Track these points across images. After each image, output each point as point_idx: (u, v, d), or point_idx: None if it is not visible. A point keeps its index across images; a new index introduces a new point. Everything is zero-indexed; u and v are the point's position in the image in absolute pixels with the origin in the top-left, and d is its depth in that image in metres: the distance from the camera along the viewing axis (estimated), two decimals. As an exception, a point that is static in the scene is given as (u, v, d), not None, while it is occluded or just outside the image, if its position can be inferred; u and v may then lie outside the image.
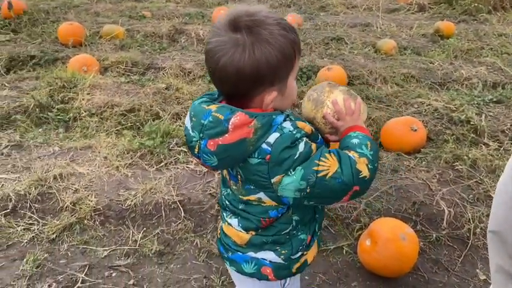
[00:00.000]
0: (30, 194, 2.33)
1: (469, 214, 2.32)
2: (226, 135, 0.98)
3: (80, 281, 1.92)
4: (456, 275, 2.08)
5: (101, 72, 4.05)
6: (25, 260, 2.01)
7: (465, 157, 2.76)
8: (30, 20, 5.33)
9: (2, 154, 2.70)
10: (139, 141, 2.79)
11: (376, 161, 1.09)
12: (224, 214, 1.24)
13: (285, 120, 1.05)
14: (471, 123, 3.25)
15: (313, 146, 1.05)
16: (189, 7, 6.95)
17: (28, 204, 2.30)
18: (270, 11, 1.04)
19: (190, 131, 1.05)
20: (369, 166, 1.06)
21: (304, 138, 1.04)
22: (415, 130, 2.91)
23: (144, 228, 2.26)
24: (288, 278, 1.23)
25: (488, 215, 2.33)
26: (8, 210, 2.28)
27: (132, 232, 2.23)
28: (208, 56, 1.00)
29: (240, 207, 1.15)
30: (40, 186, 2.37)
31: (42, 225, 2.22)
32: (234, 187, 1.14)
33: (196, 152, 1.05)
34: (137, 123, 3.14)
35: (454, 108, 3.48)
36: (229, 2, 7.30)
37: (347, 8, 7.26)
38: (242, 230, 1.17)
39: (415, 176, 2.64)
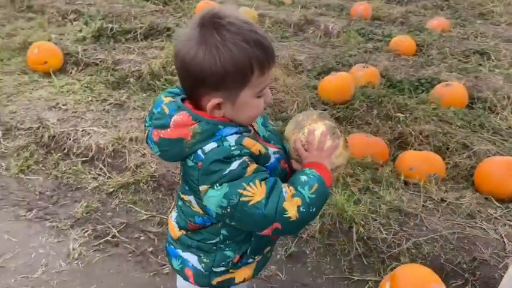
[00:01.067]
0: (107, 149, 2.65)
1: (543, 293, 1.87)
2: (168, 129, 0.99)
3: (111, 235, 2.14)
4: None
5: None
6: (80, 204, 2.32)
7: None
8: (181, -6, 5.90)
9: (104, 110, 3.11)
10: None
11: (314, 206, 1.00)
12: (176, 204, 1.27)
13: (235, 133, 1.01)
14: None
15: (251, 167, 0.98)
16: (333, -1, 6.82)
17: (103, 157, 2.63)
18: (248, 20, 0.98)
19: (148, 117, 1.08)
20: (301, 208, 0.97)
21: (244, 158, 0.98)
22: (519, 175, 2.42)
23: (185, 204, 2.38)
24: None
25: None
26: (87, 159, 2.64)
27: (174, 204, 2.38)
28: (174, 46, 1.04)
29: (179, 203, 1.17)
30: (117, 144, 2.68)
31: (107, 178, 2.52)
32: (180, 183, 1.17)
33: (146, 137, 1.08)
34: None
35: None
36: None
37: (515, 17, 6.24)
38: (176, 226, 1.18)
39: (493, 228, 2.22)
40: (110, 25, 4.49)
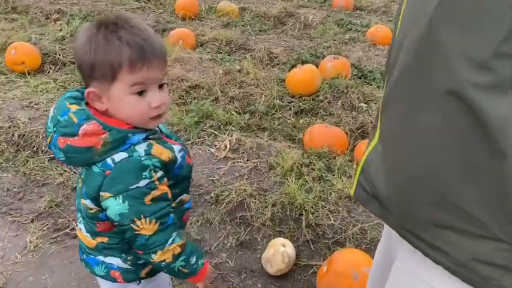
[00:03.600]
0: (74, 145, 2.74)
1: None
2: (76, 138, 1.02)
3: (70, 227, 2.24)
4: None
5: (194, 47, 4.36)
6: (44, 198, 2.42)
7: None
8: (164, -9, 5.96)
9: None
10: (180, 117, 3.00)
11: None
12: (77, 217, 1.25)
13: (145, 140, 1.06)
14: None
15: (156, 193, 1.03)
16: (317, -11, 6.84)
17: (70, 154, 2.72)
18: (141, 27, 1.04)
19: (49, 121, 1.11)
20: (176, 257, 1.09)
21: (153, 178, 1.03)
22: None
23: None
24: (142, 280, 1.26)
25: None
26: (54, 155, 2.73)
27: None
28: None
29: (81, 206, 1.17)
30: (83, 141, 2.77)
31: (72, 174, 2.61)
32: (80, 184, 1.16)
33: (48, 142, 1.13)
34: (194, 100, 3.36)
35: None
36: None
37: None
38: (88, 236, 1.19)
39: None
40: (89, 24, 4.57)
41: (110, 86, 1.03)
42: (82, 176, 1.11)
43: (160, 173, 1.04)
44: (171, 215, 1.07)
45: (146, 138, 1.06)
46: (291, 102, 3.31)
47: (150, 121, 1.09)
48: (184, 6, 5.12)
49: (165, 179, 1.07)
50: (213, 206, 2.35)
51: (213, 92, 3.43)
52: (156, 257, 1.07)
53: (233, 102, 3.33)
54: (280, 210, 2.28)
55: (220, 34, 4.57)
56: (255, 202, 2.32)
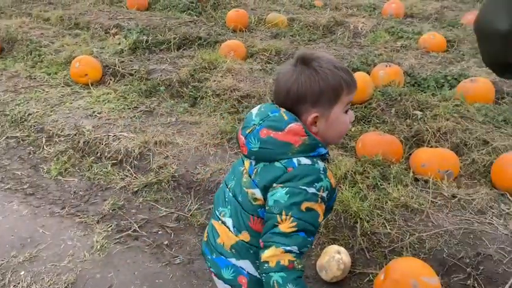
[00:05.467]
0: (134, 152, 2.89)
1: (548, 289, 1.84)
2: (280, 132, 1.15)
3: (132, 229, 2.36)
4: None
5: (245, 58, 4.46)
6: (107, 201, 2.56)
7: None
8: (215, 4, 6.15)
9: (134, 116, 3.37)
10: (233, 125, 3.07)
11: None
12: (217, 212, 1.32)
13: (323, 155, 1.20)
14: None
15: (314, 206, 1.12)
16: (366, -2, 6.79)
17: (130, 160, 2.87)
18: (335, 58, 1.28)
19: (253, 116, 1.23)
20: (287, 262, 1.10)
21: (321, 191, 1.13)
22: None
23: (202, 202, 2.56)
24: None
25: None
26: (116, 161, 2.89)
27: (191, 202, 2.56)
28: (275, 80, 1.29)
29: (239, 198, 1.24)
30: (143, 148, 2.91)
31: (133, 179, 2.75)
32: (244, 179, 1.24)
33: (247, 132, 1.21)
34: (246, 109, 3.43)
35: None
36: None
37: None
38: (232, 231, 1.25)
39: (504, 224, 2.19)
40: (145, 37, 4.80)
41: (332, 108, 1.18)
42: (256, 170, 1.20)
43: (325, 193, 1.15)
44: (312, 237, 1.14)
45: (324, 156, 1.21)
46: (343, 110, 3.30)
47: (343, 137, 1.31)
48: (235, 19, 5.25)
49: (324, 205, 1.16)
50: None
51: (263, 101, 3.49)
52: (266, 254, 1.10)
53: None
54: (334, 218, 2.28)
55: (269, 45, 4.64)
56: (309, 209, 2.33)
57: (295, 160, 1.14)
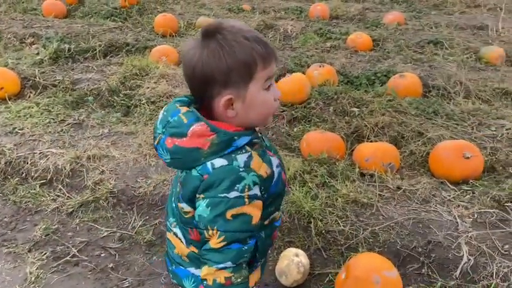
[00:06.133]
0: (65, 169, 2.64)
1: (494, 268, 1.93)
2: (184, 138, 1.01)
3: (71, 255, 2.13)
4: (449, 336, 1.76)
5: (178, 63, 4.31)
6: (38, 226, 2.30)
7: (521, 198, 2.29)
8: (141, 9, 5.91)
9: (62, 130, 3.09)
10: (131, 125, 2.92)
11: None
12: (169, 222, 1.23)
13: (248, 144, 1.05)
14: (556, 157, 2.67)
15: (250, 208, 1.02)
16: (292, 1, 6.93)
17: (62, 178, 2.61)
18: (247, 26, 1.07)
19: (158, 123, 1.10)
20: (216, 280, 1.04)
21: (245, 191, 1.01)
22: (468, 158, 2.49)
23: (146, 217, 2.39)
24: None
25: (519, 274, 1.91)
26: (46, 181, 2.62)
27: (135, 218, 2.38)
28: (182, 58, 1.10)
29: (176, 213, 1.17)
30: (74, 164, 2.67)
31: (66, 199, 2.50)
32: (178, 189, 1.16)
33: (156, 144, 1.10)
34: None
35: (541, 138, 2.89)
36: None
37: (467, 7, 6.45)
38: (184, 242, 1.17)
39: (447, 210, 2.28)
40: (67, 46, 4.46)
41: (247, 86, 1.02)
42: (181, 180, 1.10)
43: (253, 192, 1.02)
44: (249, 243, 1.04)
45: (250, 143, 1.06)
46: (283, 111, 3.29)
47: (271, 117, 1.12)
48: (163, 24, 5.08)
49: (258, 202, 1.04)
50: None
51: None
52: (203, 272, 1.04)
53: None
54: (288, 220, 2.23)
55: (202, 49, 4.53)
56: (261, 213, 2.26)
57: (209, 165, 1.01)
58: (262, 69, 1.02)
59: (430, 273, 1.98)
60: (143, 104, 3.46)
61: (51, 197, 2.52)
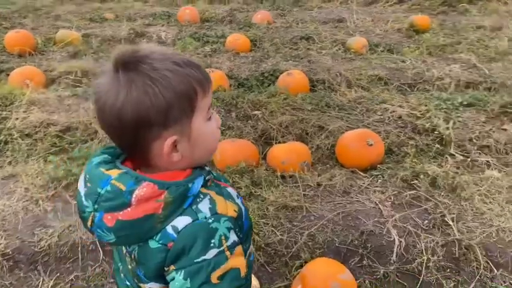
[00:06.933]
0: None
1: (422, 244, 2.09)
2: (128, 209, 0.80)
3: None
4: (403, 320, 1.85)
5: (46, 85, 3.77)
6: None
7: (424, 175, 2.52)
8: (-17, 27, 5.05)
9: None
10: (66, 168, 2.53)
11: None
12: None
13: (204, 186, 0.87)
14: (436, 132, 3.01)
15: (235, 259, 0.86)
16: (157, 6, 6.66)
17: None
18: (166, 48, 0.90)
19: (83, 199, 0.85)
20: None
21: (223, 243, 0.84)
22: (371, 145, 2.66)
23: (57, 274, 2.01)
24: None
25: (443, 245, 2.10)
26: None
27: (43, 279, 1.99)
28: (95, 103, 0.85)
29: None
30: None
31: None
32: (129, 266, 0.93)
33: (89, 226, 0.85)
34: (72, 145, 2.88)
35: (420, 115, 3.24)
36: (201, 0, 7.00)
37: (323, 1, 6.99)
38: None
39: (367, 198, 2.40)
40: None
41: (190, 121, 0.86)
42: (133, 256, 0.88)
43: (231, 240, 0.85)
44: None
45: (204, 184, 0.89)
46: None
47: (214, 150, 0.97)
48: (16, 42, 4.39)
49: (238, 248, 0.87)
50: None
51: (91, 131, 3.00)
52: None
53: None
54: (224, 241, 2.09)
55: (71, 66, 4.05)
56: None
57: (169, 229, 0.83)
58: (202, 98, 0.86)
59: (370, 263, 2.05)
60: (16, 139, 2.93)
61: None
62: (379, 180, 2.55)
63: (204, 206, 0.85)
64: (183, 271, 0.82)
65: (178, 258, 0.83)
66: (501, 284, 1.97)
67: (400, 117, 3.24)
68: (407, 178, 2.53)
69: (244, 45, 4.71)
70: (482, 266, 2.00)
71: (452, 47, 4.77)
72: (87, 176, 0.85)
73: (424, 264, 2.02)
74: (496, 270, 2.00)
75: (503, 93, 3.58)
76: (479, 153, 2.89)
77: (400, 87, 3.87)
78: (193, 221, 0.83)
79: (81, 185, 0.87)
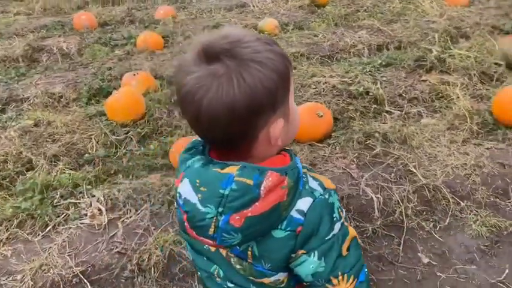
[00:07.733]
0: None
1: (397, 195, 2.25)
2: (257, 203, 0.77)
3: None
4: (402, 267, 1.98)
5: None
6: None
7: (375, 134, 2.70)
8: None
9: None
10: (12, 205, 2.24)
11: None
12: None
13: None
14: (370, 93, 3.23)
15: (351, 231, 0.87)
16: (44, 18, 6.08)
17: None
18: (246, 29, 0.80)
19: (200, 206, 0.78)
20: None
21: (341, 214, 0.85)
22: (321, 116, 2.76)
23: (45, 321, 1.80)
24: None
25: (414, 192, 2.28)
26: None
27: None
28: (187, 102, 0.77)
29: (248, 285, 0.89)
30: None
31: None
32: (238, 266, 0.87)
33: (211, 234, 0.78)
34: (6, 180, 2.55)
35: (350, 81, 3.43)
36: (91, 4, 6.55)
37: (218, -11, 6.96)
38: None
39: (334, 165, 2.50)
40: None
41: (287, 101, 0.83)
42: (251, 252, 0.83)
43: (344, 211, 0.86)
44: (365, 269, 0.87)
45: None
46: (128, 132, 2.92)
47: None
48: None
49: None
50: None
51: (25, 159, 2.69)
52: None
53: (58, 162, 2.69)
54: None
55: (-32, 95, 3.56)
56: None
57: (294, 214, 0.80)
58: (291, 76, 0.84)
59: (357, 224, 2.15)
60: None
61: None
62: (337, 147, 2.67)
63: (313, 184, 0.83)
64: (316, 251, 0.81)
65: (307, 241, 0.81)
66: (469, 214, 2.20)
67: (334, 86, 3.40)
68: (362, 140, 2.69)
69: (157, 43, 4.53)
70: (451, 202, 2.22)
71: (354, 15, 5.10)
72: (198, 180, 0.79)
73: (403, 212, 2.18)
74: (462, 203, 2.23)
75: (412, 49, 3.94)
76: (411, 105, 3.16)
77: (321, 59, 4.05)
78: (313, 201, 0.81)
79: (189, 193, 0.80)
